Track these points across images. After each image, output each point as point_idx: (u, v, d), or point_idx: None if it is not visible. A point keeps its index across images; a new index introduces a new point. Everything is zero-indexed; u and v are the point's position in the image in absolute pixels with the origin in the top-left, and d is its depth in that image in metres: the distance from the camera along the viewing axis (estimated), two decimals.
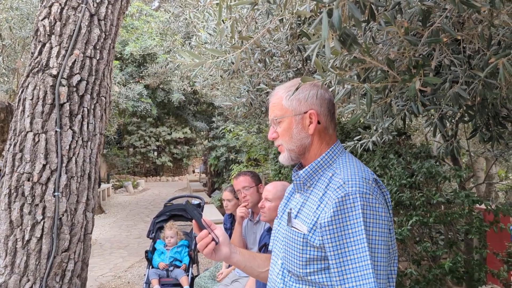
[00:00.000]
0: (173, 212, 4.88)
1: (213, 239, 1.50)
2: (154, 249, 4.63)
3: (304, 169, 1.42)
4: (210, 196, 12.78)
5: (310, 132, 1.41)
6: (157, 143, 24.57)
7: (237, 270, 3.68)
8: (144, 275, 4.47)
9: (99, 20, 3.21)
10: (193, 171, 27.68)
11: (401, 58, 1.08)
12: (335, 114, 1.51)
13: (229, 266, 4.09)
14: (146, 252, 4.57)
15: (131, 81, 9.92)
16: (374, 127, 1.97)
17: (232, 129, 8.84)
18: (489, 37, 1.28)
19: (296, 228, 1.36)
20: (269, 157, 5.27)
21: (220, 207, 10.26)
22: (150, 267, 4.46)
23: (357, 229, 1.21)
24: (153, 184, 23.14)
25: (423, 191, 2.38)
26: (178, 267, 4.45)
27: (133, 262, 7.28)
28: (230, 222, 4.14)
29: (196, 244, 4.66)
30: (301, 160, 1.47)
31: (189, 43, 5.23)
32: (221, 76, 3.11)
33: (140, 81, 10.98)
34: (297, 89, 1.41)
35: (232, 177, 8.09)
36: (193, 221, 1.56)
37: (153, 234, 4.73)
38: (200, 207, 4.93)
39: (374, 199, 1.25)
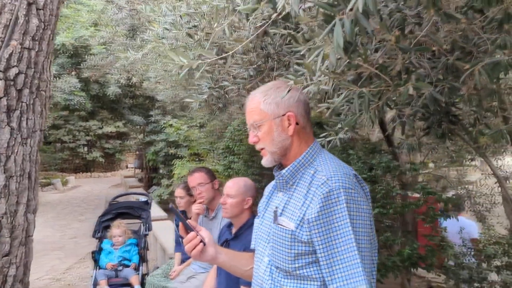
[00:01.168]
0: (120, 210, 4.73)
1: (201, 241, 1.51)
2: (100, 249, 4.46)
3: (286, 169, 1.47)
4: (148, 192, 12.48)
5: (290, 133, 1.47)
6: (88, 138, 23.42)
7: (192, 266, 3.66)
8: (91, 276, 4.30)
9: (37, 9, 3.00)
10: (127, 167, 26.78)
11: (391, 64, 1.16)
12: (310, 114, 1.57)
13: (182, 263, 4.07)
14: (93, 252, 4.39)
15: (63, 73, 9.39)
16: (339, 125, 2.06)
17: (173, 124, 8.71)
18: (452, 44, 1.40)
19: (283, 225, 1.41)
20: (218, 152, 5.28)
21: (160, 203, 10.07)
22: (97, 268, 4.30)
23: (342, 222, 1.28)
24: (84, 181, 22.10)
25: (383, 184, 2.55)
26: (128, 266, 4.33)
27: (72, 263, 6.96)
28: None
29: (145, 242, 4.59)
30: (282, 160, 1.52)
31: (134, 36, 5.06)
32: (178, 73, 3.06)
33: (72, 73, 10.42)
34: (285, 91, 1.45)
35: (176, 172, 8.00)
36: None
37: (99, 234, 4.55)
38: (148, 204, 4.82)
39: (356, 194, 1.33)
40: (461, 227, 3.54)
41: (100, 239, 4.54)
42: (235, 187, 2.80)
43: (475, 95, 1.58)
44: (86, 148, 24.13)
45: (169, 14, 2.82)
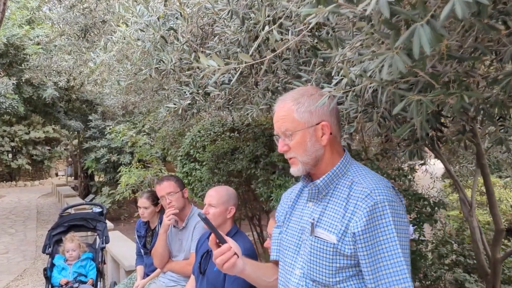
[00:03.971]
0: (72, 222, 4.39)
1: (235, 253, 1.42)
2: (53, 265, 4.11)
3: (321, 179, 1.43)
4: (84, 201, 11.80)
5: (323, 144, 1.43)
6: (12, 144, 21.72)
7: (161, 279, 3.48)
8: None
9: None
10: (56, 174, 25.19)
11: (441, 73, 1.16)
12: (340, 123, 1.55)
13: (145, 277, 3.86)
14: (44, 269, 4.03)
15: None
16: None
17: (120, 129, 8.31)
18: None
19: (322, 238, 1.36)
20: (176, 159, 5.10)
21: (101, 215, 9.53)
22: (50, 286, 3.95)
23: (390, 235, 1.26)
24: (8, 190, 20.47)
25: None
26: (84, 282, 4.02)
27: (8, 282, 6.36)
28: (145, 230, 3.90)
29: (103, 255, 4.31)
30: (312, 170, 1.47)
31: (86, 37, 4.75)
32: (150, 75, 2.90)
33: (1, 74, 9.63)
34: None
35: (123, 180, 7.62)
36: (212, 235, 1.45)
37: (50, 249, 4.19)
38: (103, 214, 4.53)
39: (399, 206, 1.32)
40: None
41: (51, 255, 4.18)
42: (217, 196, 2.70)
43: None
44: (10, 155, 22.34)
45: (145, 14, 2.66)
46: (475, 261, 4.47)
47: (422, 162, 4.55)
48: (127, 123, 9.33)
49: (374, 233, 1.27)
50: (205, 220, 1.46)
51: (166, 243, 3.37)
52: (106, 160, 10.23)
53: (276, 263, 1.66)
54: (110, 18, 4.86)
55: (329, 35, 1.76)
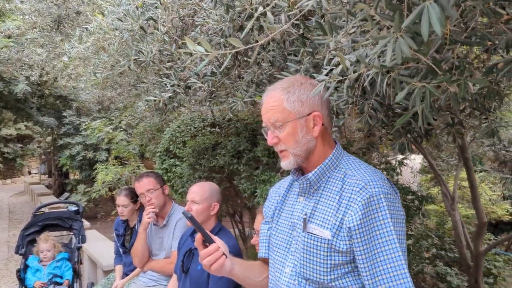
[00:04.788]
0: (47, 221, 4.21)
1: (223, 253, 1.33)
2: (26, 266, 3.93)
3: (313, 172, 1.36)
4: (59, 199, 11.47)
5: (315, 135, 1.36)
6: None
7: (141, 279, 3.36)
8: None
9: None
10: (29, 173, 24.48)
11: (444, 59, 1.10)
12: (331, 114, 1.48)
13: (124, 276, 3.74)
14: (18, 271, 3.85)
15: None
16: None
17: (96, 125, 8.07)
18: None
19: (315, 234, 1.29)
20: (156, 156, 4.97)
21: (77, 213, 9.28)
22: None
23: (386, 229, 1.20)
24: None
25: None
26: (60, 283, 3.86)
27: None
28: (123, 228, 3.77)
29: (79, 255, 4.15)
30: (304, 163, 1.40)
31: (60, 28, 4.56)
32: (128, 67, 2.78)
33: None
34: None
35: (99, 178, 7.41)
36: (198, 234, 1.36)
37: (23, 250, 4.01)
38: (79, 213, 4.37)
39: (394, 199, 1.27)
40: None
41: (25, 256, 4.00)
42: (201, 192, 2.61)
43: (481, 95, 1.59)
44: None
45: (124, 3, 2.54)
46: (456, 255, 4.51)
47: (404, 156, 4.56)
48: (103, 119, 9.08)
49: (371, 227, 1.21)
50: (191, 219, 1.37)
51: (146, 241, 3.26)
52: (82, 157, 9.95)
53: (265, 260, 1.59)
54: (84, 8, 4.69)
55: (319, 23, 1.69)
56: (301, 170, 1.45)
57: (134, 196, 3.61)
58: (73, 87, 7.46)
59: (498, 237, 6.16)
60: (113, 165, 7.85)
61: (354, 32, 1.33)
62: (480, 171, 7.48)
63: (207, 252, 1.34)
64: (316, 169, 1.36)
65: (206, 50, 1.16)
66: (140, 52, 2.60)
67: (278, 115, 1.34)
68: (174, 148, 4.51)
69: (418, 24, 0.94)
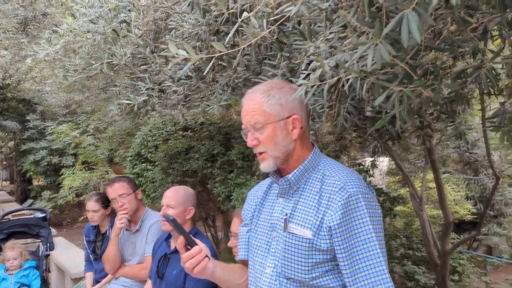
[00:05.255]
0: (13, 229, 4.06)
1: (206, 256, 1.34)
2: None
3: (292, 173, 1.39)
4: (22, 206, 11.06)
5: (294, 138, 1.39)
6: None
7: (113, 286, 3.30)
8: None
9: None
10: None
11: (419, 64, 1.16)
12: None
13: (95, 284, 3.66)
14: None
15: None
16: None
17: (63, 129, 7.83)
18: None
19: (296, 234, 1.31)
20: (127, 160, 4.88)
21: (44, 220, 8.99)
22: None
23: (365, 228, 1.25)
24: None
25: None
26: None
27: None
28: (94, 235, 3.69)
29: (47, 263, 4.03)
30: (283, 165, 1.43)
31: (26, 30, 4.43)
32: (101, 70, 2.74)
33: None
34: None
35: (66, 183, 7.21)
36: (180, 237, 1.36)
37: None
38: (46, 220, 4.24)
39: (372, 198, 1.31)
40: None
41: None
42: (176, 196, 2.60)
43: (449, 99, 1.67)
44: None
45: (96, 5, 2.50)
46: (423, 254, 4.66)
47: (373, 158, 4.68)
48: (69, 123, 8.84)
49: (350, 226, 1.25)
50: (174, 222, 1.37)
51: (118, 247, 3.21)
52: (47, 163, 9.64)
53: (244, 263, 1.60)
54: (52, 10, 4.58)
55: (299, 29, 1.73)
56: (279, 172, 1.47)
57: (105, 201, 3.54)
58: (38, 90, 7.24)
59: (461, 236, 6.41)
60: (81, 170, 7.65)
61: (332, 38, 1.37)
62: (444, 173, 7.76)
63: (190, 255, 1.34)
64: (295, 170, 1.39)
65: (188, 53, 1.17)
66: (113, 55, 2.57)
67: (258, 118, 1.36)
68: (146, 152, 4.45)
69: (396, 31, 0.99)
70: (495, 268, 7.54)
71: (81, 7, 2.56)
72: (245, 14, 1.18)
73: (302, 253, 1.30)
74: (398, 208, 6.55)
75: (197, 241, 1.41)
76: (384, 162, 6.59)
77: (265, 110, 1.36)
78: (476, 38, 1.39)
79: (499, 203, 5.53)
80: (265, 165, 1.40)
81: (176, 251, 2.61)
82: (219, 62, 2.54)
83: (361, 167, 2.86)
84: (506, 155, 6.09)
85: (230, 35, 1.33)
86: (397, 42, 1.03)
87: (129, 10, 2.61)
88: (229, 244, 2.10)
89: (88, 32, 2.59)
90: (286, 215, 1.37)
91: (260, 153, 1.40)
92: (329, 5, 1.25)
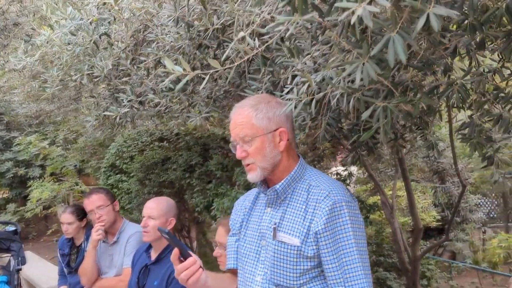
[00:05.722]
0: None
1: (200, 266, 1.38)
2: None
3: (280, 184, 1.46)
4: None
5: (281, 149, 1.46)
6: None
7: None
8: None
9: None
10: None
11: (401, 81, 1.26)
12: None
13: None
14: None
15: None
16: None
17: (30, 140, 7.62)
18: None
19: (285, 242, 1.38)
20: (100, 171, 4.82)
21: (15, 234, 8.66)
22: None
23: (347, 234, 1.34)
24: None
25: None
26: None
27: None
28: (69, 247, 3.63)
29: (19, 278, 3.92)
30: (269, 176, 1.49)
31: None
32: (80, 82, 2.74)
33: None
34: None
35: (34, 195, 7.00)
36: (175, 249, 1.39)
37: None
38: (17, 233, 4.14)
39: (354, 206, 1.40)
40: None
41: None
42: (158, 207, 2.61)
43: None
44: None
45: (77, 17, 2.51)
46: (393, 260, 4.81)
47: (345, 168, 4.82)
48: (36, 134, 8.61)
49: (334, 231, 1.33)
50: (168, 234, 1.41)
51: (95, 260, 3.17)
52: (12, 175, 9.34)
53: (233, 272, 1.65)
54: (24, 20, 4.51)
55: (278, 44, 1.81)
56: (266, 183, 1.54)
57: (80, 213, 3.50)
58: (4, 100, 7.05)
59: (427, 242, 6.65)
60: (49, 182, 7.46)
61: (317, 55, 1.45)
62: (411, 181, 8.05)
63: (184, 266, 1.38)
64: (282, 181, 1.46)
65: (184, 69, 1.22)
66: (94, 67, 2.58)
67: (247, 131, 1.43)
68: (121, 163, 4.42)
69: (382, 52, 1.08)
70: (460, 272, 7.85)
71: (61, 19, 2.56)
72: (241, 33, 1.24)
73: (290, 260, 1.37)
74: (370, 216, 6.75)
75: (191, 252, 1.45)
76: (353, 171, 6.78)
77: (253, 124, 1.43)
78: (445, 56, 1.51)
79: (464, 209, 5.79)
80: (253, 176, 1.46)
81: (156, 262, 2.63)
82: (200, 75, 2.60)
83: (339, 176, 2.96)
84: (467, 163, 6.39)
85: (226, 54, 1.40)
86: (381, 61, 1.12)
87: (109, 23, 2.63)
88: (215, 253, 2.14)
89: (69, 44, 2.59)
90: (275, 224, 1.43)
91: (248, 164, 1.46)
92: (315, 24, 1.34)
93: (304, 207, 1.40)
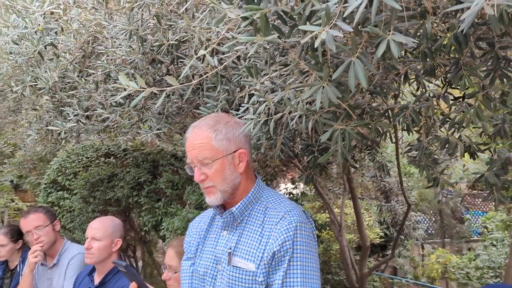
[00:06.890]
0: None
1: None
2: None
3: (236, 206, 1.42)
4: None
5: (240, 171, 1.43)
6: None
7: None
8: None
9: None
10: None
11: (358, 105, 1.28)
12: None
13: None
14: None
15: None
16: None
17: None
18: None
19: (240, 267, 1.34)
20: (40, 188, 4.53)
21: None
22: None
23: (295, 255, 1.33)
24: None
25: None
26: None
27: None
28: (2, 271, 3.36)
29: None
30: (229, 198, 1.45)
31: None
32: (22, 93, 2.58)
33: None
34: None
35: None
36: (132, 283, 1.31)
37: None
38: None
39: (309, 229, 1.39)
40: None
41: None
42: (103, 228, 2.47)
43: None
44: None
45: (21, 26, 2.37)
46: (341, 278, 4.88)
47: (294, 186, 4.87)
48: None
49: (286, 252, 1.31)
50: (126, 268, 1.32)
51: (31, 284, 2.95)
52: None
53: None
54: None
55: (247, 67, 1.80)
56: (222, 204, 1.50)
57: (14, 235, 3.27)
58: None
59: (371, 258, 6.84)
60: None
61: (274, 76, 1.46)
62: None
63: None
64: (239, 203, 1.42)
65: (140, 86, 1.17)
66: (38, 78, 2.44)
67: (207, 153, 1.38)
68: (63, 179, 4.19)
69: (341, 75, 1.09)
70: None
71: (3, 27, 2.41)
72: (201, 51, 1.22)
73: (245, 285, 1.33)
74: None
75: (149, 286, 1.38)
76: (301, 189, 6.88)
77: (213, 145, 1.38)
78: (397, 81, 1.57)
79: (408, 227, 6.02)
80: (212, 199, 1.41)
81: (100, 286, 2.48)
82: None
83: (292, 195, 2.97)
84: (407, 182, 6.69)
85: (184, 72, 1.36)
86: (340, 84, 1.14)
87: (56, 33, 2.51)
88: (163, 277, 2.05)
89: (10, 53, 2.44)
90: (230, 248, 1.39)
91: (207, 187, 1.42)
92: (273, 45, 1.34)
93: (260, 230, 1.37)
